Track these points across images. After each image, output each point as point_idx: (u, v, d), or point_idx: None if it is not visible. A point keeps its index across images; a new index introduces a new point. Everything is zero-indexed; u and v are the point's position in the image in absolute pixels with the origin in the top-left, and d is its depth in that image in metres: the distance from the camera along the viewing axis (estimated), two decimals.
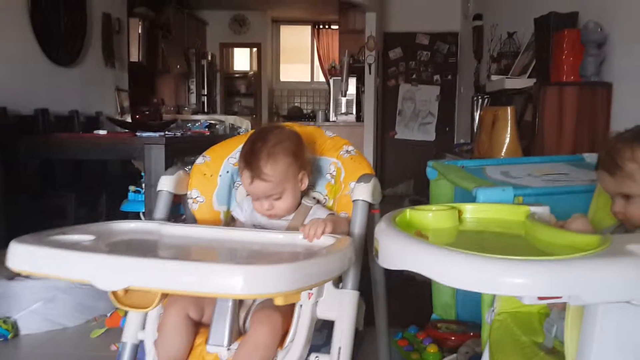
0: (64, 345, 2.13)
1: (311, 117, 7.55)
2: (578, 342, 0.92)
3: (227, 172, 1.44)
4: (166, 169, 3.02)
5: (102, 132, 3.27)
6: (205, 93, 7.23)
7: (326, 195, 1.42)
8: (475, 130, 3.89)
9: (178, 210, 1.45)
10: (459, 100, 6.20)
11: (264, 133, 1.35)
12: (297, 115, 7.95)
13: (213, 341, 1.15)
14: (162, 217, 1.36)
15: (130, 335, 1.24)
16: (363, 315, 1.23)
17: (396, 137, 6.43)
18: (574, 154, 2.36)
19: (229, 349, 1.17)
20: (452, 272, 0.81)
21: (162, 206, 1.37)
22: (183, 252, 1.06)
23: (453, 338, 2.02)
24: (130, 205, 3.15)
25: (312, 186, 1.42)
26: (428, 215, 1.16)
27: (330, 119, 6.36)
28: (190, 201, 1.42)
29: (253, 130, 1.45)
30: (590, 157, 2.24)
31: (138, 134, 3.10)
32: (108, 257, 0.90)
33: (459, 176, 1.92)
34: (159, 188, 1.39)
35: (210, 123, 3.82)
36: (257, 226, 1.33)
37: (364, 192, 1.24)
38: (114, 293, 0.92)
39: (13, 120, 3.36)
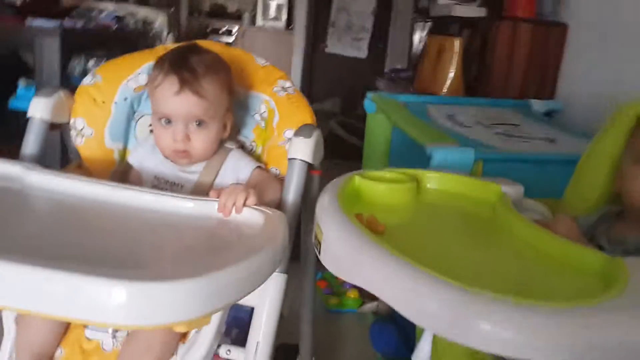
0: None
1: (236, 18, 6.95)
2: None
3: (126, 99, 1.10)
4: (62, 67, 2.61)
5: None
6: None
7: (253, 141, 1.13)
8: (413, 57, 3.65)
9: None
10: (394, 19, 5.86)
11: (192, 48, 1.03)
12: (220, 13, 7.28)
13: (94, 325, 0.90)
14: (32, 153, 1.02)
15: None
16: (290, 298, 1.00)
17: (326, 50, 6.05)
18: (521, 97, 2.19)
19: (114, 337, 0.91)
20: (419, 307, 0.59)
21: (32, 139, 1.03)
22: (46, 230, 0.75)
23: None
24: (19, 101, 2.68)
25: (236, 129, 1.12)
26: (380, 188, 0.92)
27: (257, 24, 5.86)
28: (73, 133, 1.08)
29: (164, 47, 1.11)
30: (537, 105, 2.09)
31: (29, 21, 2.60)
32: None
33: (402, 117, 1.69)
34: (29, 114, 1.04)
35: (118, 16, 3.27)
36: (158, 178, 1.03)
37: (304, 149, 0.96)
38: None
39: None
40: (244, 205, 0.84)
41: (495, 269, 0.72)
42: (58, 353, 0.91)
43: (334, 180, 0.93)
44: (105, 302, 0.54)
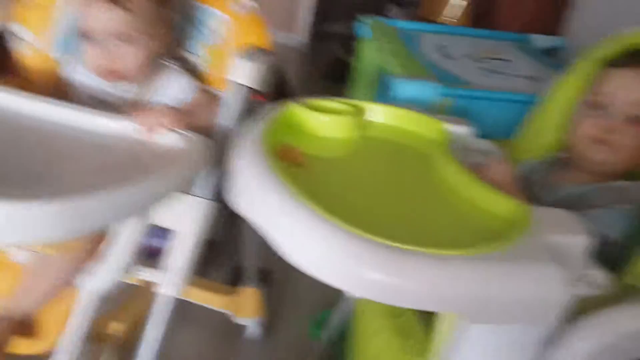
0: None
1: None
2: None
3: None
4: None
5: None
6: None
7: (202, 59, 1.06)
8: None
9: None
10: None
11: None
12: None
13: None
14: None
15: None
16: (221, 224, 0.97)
17: None
18: (527, 31, 2.06)
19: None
20: (306, 252, 0.56)
21: None
22: None
23: None
24: None
25: (179, 43, 1.05)
26: (323, 120, 0.87)
27: None
28: (9, 37, 1.02)
29: None
30: (538, 40, 1.97)
31: None
32: None
33: (388, 46, 1.60)
34: None
35: None
36: (92, 97, 0.98)
37: (245, 72, 0.90)
38: None
39: None
40: (165, 126, 0.79)
41: (409, 210, 0.68)
42: None
43: (273, 106, 0.88)
44: None
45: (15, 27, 1.01)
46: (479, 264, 0.56)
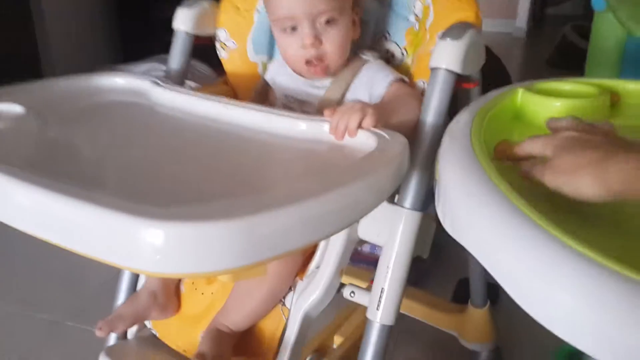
0: None
1: None
2: None
3: None
4: None
5: None
6: None
7: (405, 49, 0.93)
8: None
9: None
10: None
11: None
12: None
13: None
14: (177, 67, 1.00)
15: None
16: (431, 239, 0.83)
17: None
18: None
19: None
20: (529, 282, 0.38)
21: (177, 53, 1.00)
22: (138, 152, 0.69)
23: None
24: None
25: (381, 34, 0.94)
26: (555, 105, 0.67)
27: None
28: (218, 46, 1.03)
29: None
30: None
31: None
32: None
33: (630, 9, 1.28)
34: (174, 26, 1.00)
35: None
36: (287, 96, 0.92)
37: (450, 54, 0.74)
38: None
39: None
40: (359, 127, 0.68)
41: None
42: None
43: (489, 94, 0.72)
44: (132, 249, 0.46)
45: (220, 34, 1.01)
46: None
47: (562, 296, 0.36)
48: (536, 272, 0.37)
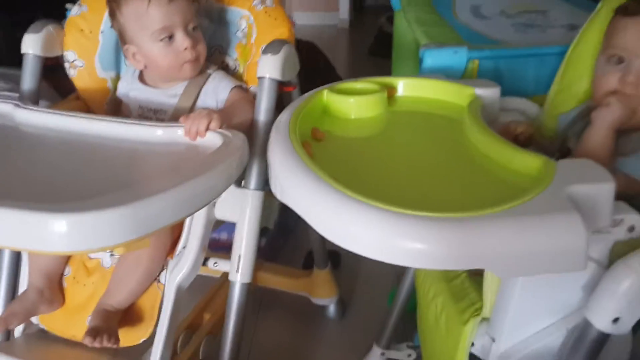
0: None
1: None
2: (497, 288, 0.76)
3: (112, 26, 1.12)
4: None
5: None
6: None
7: (236, 60, 1.13)
8: None
9: None
10: None
11: None
12: None
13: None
14: (29, 88, 1.09)
15: None
16: (276, 212, 1.05)
17: None
18: None
19: (112, 255, 1.01)
20: (329, 222, 0.62)
21: (28, 75, 1.08)
22: (20, 164, 0.82)
23: None
24: None
25: (219, 48, 1.13)
26: (349, 101, 0.91)
27: None
28: (67, 65, 1.13)
29: None
30: None
31: None
32: None
33: (415, 15, 1.60)
34: (23, 50, 1.09)
35: None
36: (142, 107, 1.07)
37: (271, 66, 0.96)
38: None
39: None
40: (208, 129, 0.87)
41: (438, 177, 0.72)
42: (66, 271, 1.03)
43: (303, 95, 0.94)
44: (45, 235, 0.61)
45: (69, 55, 1.11)
46: (502, 220, 0.59)
47: (347, 225, 0.59)
48: (329, 214, 0.60)
